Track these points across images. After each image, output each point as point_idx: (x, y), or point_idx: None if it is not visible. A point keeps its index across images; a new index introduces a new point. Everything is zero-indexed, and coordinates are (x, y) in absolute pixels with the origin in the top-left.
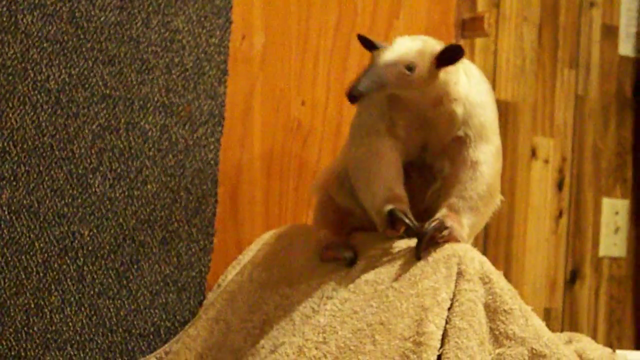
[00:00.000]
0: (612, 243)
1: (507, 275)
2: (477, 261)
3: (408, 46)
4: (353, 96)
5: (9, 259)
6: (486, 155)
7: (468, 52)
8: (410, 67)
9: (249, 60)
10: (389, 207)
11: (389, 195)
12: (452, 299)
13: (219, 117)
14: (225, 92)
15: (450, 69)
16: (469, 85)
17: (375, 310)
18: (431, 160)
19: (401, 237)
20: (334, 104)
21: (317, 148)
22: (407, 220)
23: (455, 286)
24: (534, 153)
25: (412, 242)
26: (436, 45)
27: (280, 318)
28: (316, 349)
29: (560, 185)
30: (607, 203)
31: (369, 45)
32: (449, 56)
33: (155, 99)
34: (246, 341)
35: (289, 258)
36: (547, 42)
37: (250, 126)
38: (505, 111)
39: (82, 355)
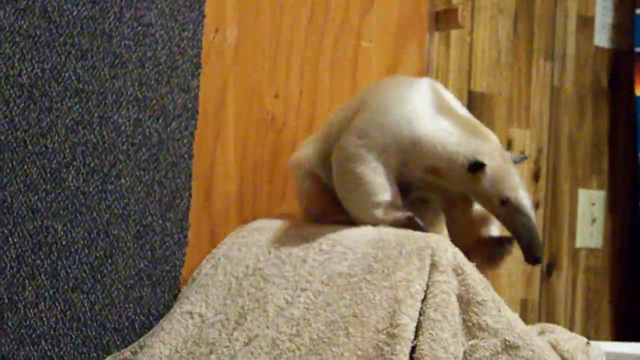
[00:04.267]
0: (589, 234)
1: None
2: (450, 252)
3: None
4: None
5: None
6: None
7: (443, 45)
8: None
9: (222, 54)
10: (401, 214)
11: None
12: (425, 291)
13: (193, 110)
14: (199, 86)
15: None
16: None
17: (348, 303)
18: None
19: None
20: (307, 97)
21: (290, 141)
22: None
23: (429, 278)
24: (509, 144)
25: (385, 233)
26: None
27: (254, 310)
28: (290, 341)
29: (536, 177)
30: (583, 194)
31: None
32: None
33: (129, 92)
34: (221, 334)
35: (263, 251)
36: (522, 33)
37: (224, 120)
38: (481, 103)
39: (56, 350)
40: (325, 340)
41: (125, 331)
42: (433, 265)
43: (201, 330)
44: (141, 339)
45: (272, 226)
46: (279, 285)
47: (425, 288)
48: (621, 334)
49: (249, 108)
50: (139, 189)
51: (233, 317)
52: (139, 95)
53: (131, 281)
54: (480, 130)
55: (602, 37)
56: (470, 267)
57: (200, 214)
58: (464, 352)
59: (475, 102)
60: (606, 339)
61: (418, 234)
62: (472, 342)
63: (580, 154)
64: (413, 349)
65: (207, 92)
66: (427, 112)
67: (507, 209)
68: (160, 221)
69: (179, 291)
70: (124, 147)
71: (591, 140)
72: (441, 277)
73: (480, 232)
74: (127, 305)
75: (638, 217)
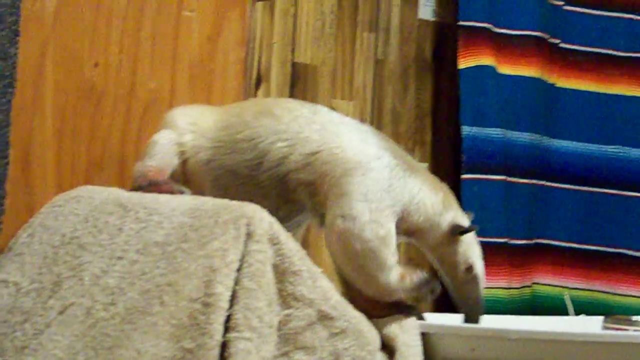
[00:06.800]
0: None
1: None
2: (266, 222)
3: None
4: None
5: None
6: None
7: (267, 15)
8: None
9: (41, 21)
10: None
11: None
12: (241, 260)
13: (10, 78)
14: (17, 53)
15: None
16: None
17: (163, 272)
18: None
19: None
20: (127, 65)
21: (110, 110)
22: None
23: (244, 247)
24: None
25: (202, 202)
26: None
27: (70, 279)
28: (105, 310)
29: None
30: None
31: None
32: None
33: None
34: (35, 302)
35: (80, 219)
36: (346, 5)
37: (42, 88)
38: (305, 74)
39: None
40: (140, 309)
41: None
42: (249, 235)
43: (16, 299)
44: None
45: (90, 195)
46: (95, 254)
47: (240, 257)
48: (442, 305)
49: (68, 76)
50: None
51: (48, 286)
52: None
53: None
54: (445, 190)
55: (425, 10)
56: (286, 237)
57: (17, 183)
58: (279, 322)
59: (299, 73)
60: (427, 310)
61: (235, 203)
62: (287, 311)
63: (403, 127)
64: (228, 318)
65: (25, 60)
66: (406, 172)
67: (468, 276)
68: None
69: None
70: None
71: (414, 112)
72: (256, 247)
73: None
74: None
75: (459, 190)
